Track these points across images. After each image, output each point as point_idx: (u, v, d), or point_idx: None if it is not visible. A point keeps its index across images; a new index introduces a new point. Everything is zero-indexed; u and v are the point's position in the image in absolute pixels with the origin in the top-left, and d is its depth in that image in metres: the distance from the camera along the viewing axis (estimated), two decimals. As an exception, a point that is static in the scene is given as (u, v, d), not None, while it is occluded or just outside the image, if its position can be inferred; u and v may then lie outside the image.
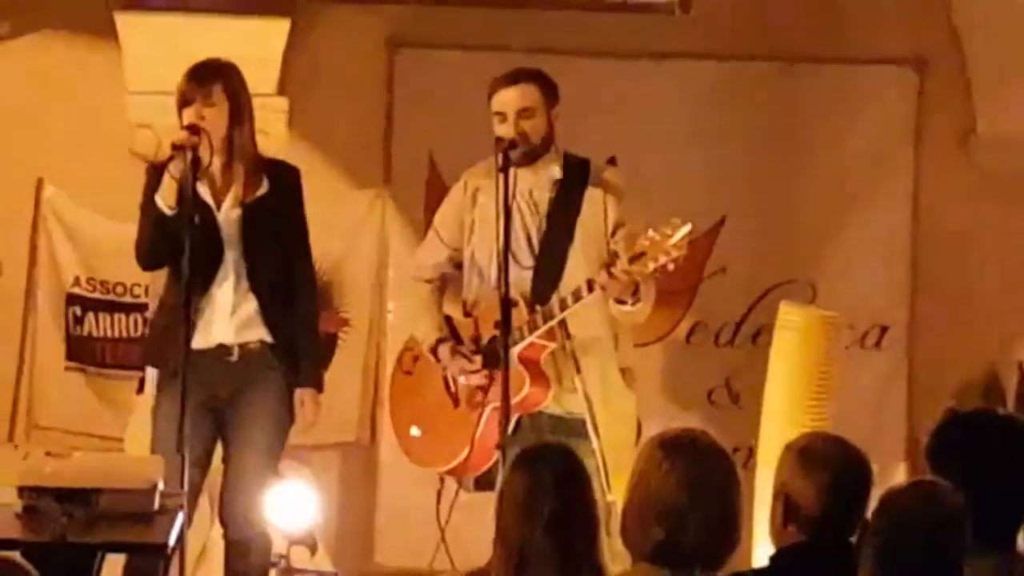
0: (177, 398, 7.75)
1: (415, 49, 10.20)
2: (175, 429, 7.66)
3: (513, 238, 7.93)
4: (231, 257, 7.92)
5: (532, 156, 7.98)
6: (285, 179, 8.08)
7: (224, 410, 7.96)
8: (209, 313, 7.93)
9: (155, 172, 7.91)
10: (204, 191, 7.88)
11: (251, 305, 7.95)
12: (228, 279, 7.92)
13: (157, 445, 7.87)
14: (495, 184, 7.86)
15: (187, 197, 7.72)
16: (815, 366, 8.86)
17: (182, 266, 7.64)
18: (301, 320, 8.13)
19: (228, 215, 7.93)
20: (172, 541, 6.88)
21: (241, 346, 7.93)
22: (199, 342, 7.87)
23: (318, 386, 8.18)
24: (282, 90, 9.21)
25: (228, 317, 7.93)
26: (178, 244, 7.72)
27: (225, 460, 7.95)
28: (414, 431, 8.33)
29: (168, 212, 7.77)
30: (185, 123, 7.78)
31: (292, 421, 8.06)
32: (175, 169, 7.69)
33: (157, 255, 8.02)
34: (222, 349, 7.94)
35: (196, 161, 7.71)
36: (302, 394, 8.03)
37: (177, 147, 7.69)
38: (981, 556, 5.22)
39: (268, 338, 7.95)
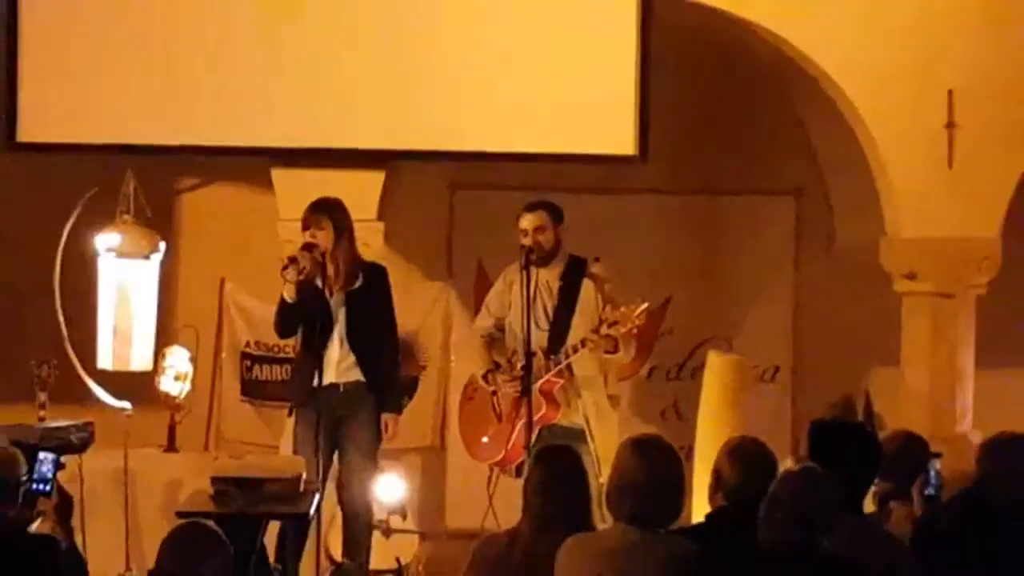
0: (305, 419, 7.95)
1: (468, 190, 10.21)
2: (308, 439, 7.82)
3: (535, 312, 8.00)
4: (338, 327, 7.95)
5: (546, 259, 8.07)
6: (376, 275, 8.14)
7: (338, 426, 7.96)
8: (325, 364, 7.88)
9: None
10: (322, 284, 7.91)
11: (351, 358, 7.98)
12: (335, 341, 7.95)
13: (297, 449, 7.94)
14: (522, 278, 7.95)
15: (309, 289, 7.85)
16: (730, 393, 8.85)
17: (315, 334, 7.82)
18: (385, 369, 8.13)
19: (336, 299, 7.96)
20: (312, 512, 6.99)
21: (345, 384, 7.94)
22: (319, 381, 7.87)
23: (397, 411, 8.22)
24: (380, 216, 9.16)
25: (336, 366, 7.94)
26: (299, 321, 7.96)
27: (340, 460, 7.95)
28: (484, 439, 8.35)
29: (289, 301, 7.87)
30: (304, 241, 7.88)
31: (380, 435, 8.08)
32: (290, 275, 7.76)
33: (285, 329, 8.13)
34: (333, 386, 7.94)
35: (318, 264, 7.82)
36: (386, 417, 8.06)
37: (291, 259, 7.81)
38: (838, 519, 5.22)
39: (362, 379, 7.98)
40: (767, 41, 9.18)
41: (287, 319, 8.03)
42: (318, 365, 7.84)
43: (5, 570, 5.64)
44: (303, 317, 7.96)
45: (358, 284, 8.03)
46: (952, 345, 9.22)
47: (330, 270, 7.93)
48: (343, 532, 8.11)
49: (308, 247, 7.86)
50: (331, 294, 7.97)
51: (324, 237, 7.91)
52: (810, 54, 9.10)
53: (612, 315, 7.91)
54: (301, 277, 7.81)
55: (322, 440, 7.83)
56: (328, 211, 7.99)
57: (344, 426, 8.01)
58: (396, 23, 8.99)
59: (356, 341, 7.99)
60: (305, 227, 7.96)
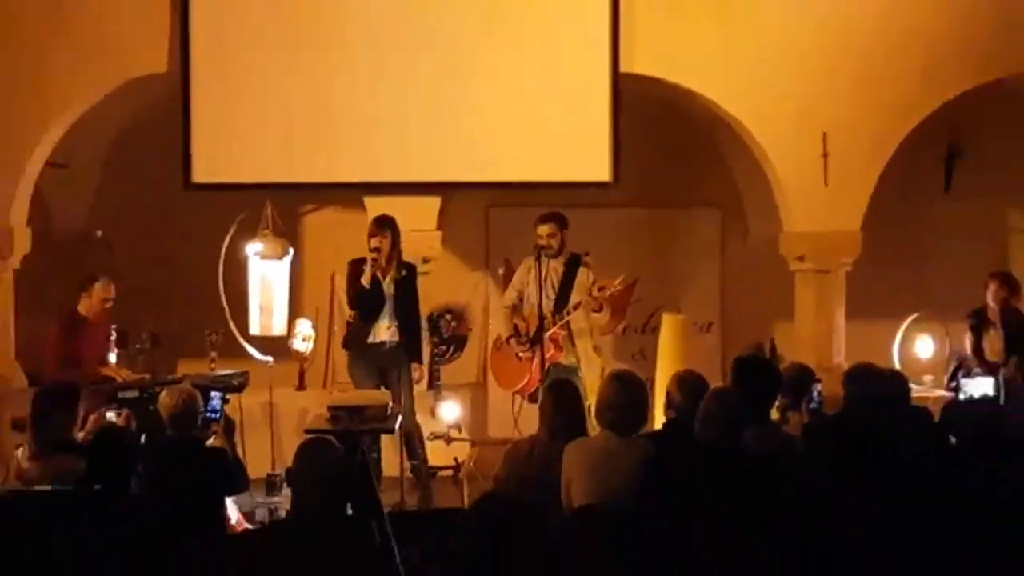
0: (360, 367, 8.05)
1: (500, 208, 10.15)
2: (366, 377, 7.95)
3: (545, 288, 8.00)
4: (388, 304, 7.96)
5: (554, 254, 8.05)
6: (412, 270, 8.16)
7: (386, 372, 7.97)
8: (376, 328, 7.96)
9: (356, 265, 8.02)
10: (379, 275, 7.95)
11: (395, 326, 7.96)
12: (386, 313, 7.96)
13: (356, 386, 8.00)
14: (536, 266, 7.96)
15: (378, 284, 7.93)
16: (678, 342, 8.87)
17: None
18: (414, 334, 8.12)
19: (388, 286, 7.98)
20: (396, 428, 6.99)
21: (390, 342, 7.93)
22: (372, 339, 7.99)
23: (420, 362, 8.19)
24: (439, 227, 9.19)
25: (385, 330, 7.95)
26: (369, 300, 7.96)
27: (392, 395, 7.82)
28: (510, 375, 8.32)
29: (366, 287, 7.89)
30: (372, 246, 7.91)
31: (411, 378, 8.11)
32: (374, 268, 7.86)
33: (360, 305, 8.06)
34: (382, 343, 7.96)
35: (375, 262, 7.90)
36: (415, 366, 8.06)
37: (374, 259, 7.88)
38: (751, 425, 5.25)
39: (400, 339, 7.95)
40: (698, 100, 9.17)
41: (363, 299, 7.99)
42: (370, 329, 7.96)
43: (190, 471, 5.70)
44: (369, 297, 7.98)
45: (403, 275, 8.02)
46: (829, 305, 9.19)
47: (384, 265, 7.96)
48: (404, 443, 8.02)
49: (375, 250, 7.91)
50: (383, 281, 7.98)
51: (385, 243, 7.94)
52: (728, 108, 9.08)
53: (601, 283, 7.95)
54: (375, 270, 7.88)
55: (370, 380, 7.90)
56: (388, 225, 8.02)
57: (392, 372, 7.97)
58: (443, 99, 8.98)
59: (398, 314, 7.97)
60: (371, 235, 7.97)
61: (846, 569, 4.25)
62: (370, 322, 7.99)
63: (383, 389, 7.85)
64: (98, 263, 8.44)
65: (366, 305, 8.02)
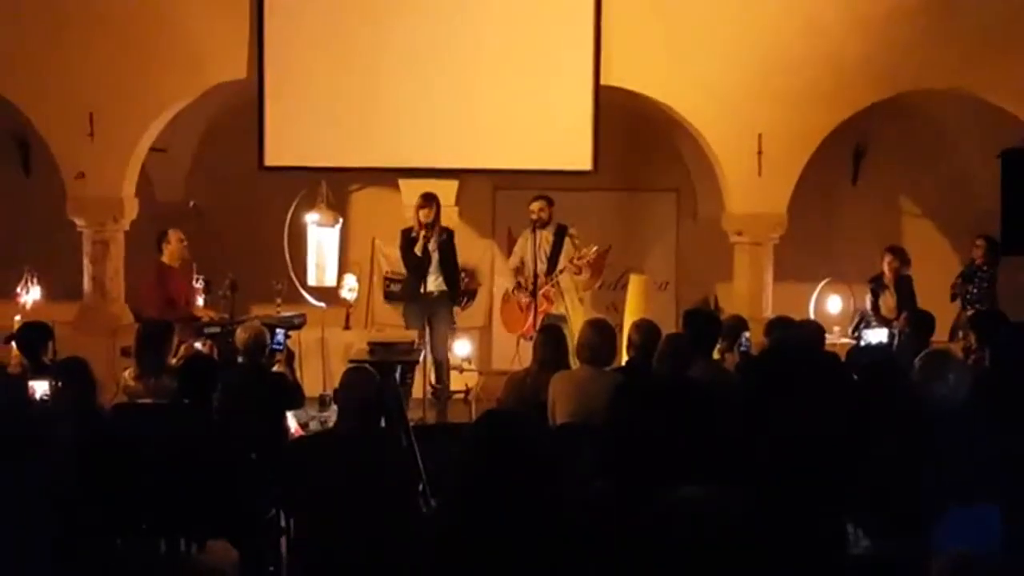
0: (413, 310, 7.95)
1: (505, 190, 10.07)
2: (415, 320, 7.87)
3: (539, 254, 8.02)
4: (434, 262, 7.85)
5: (545, 226, 8.04)
6: (451, 235, 8.06)
7: (430, 315, 7.87)
8: (427, 281, 7.83)
9: (406, 233, 7.92)
10: (426, 240, 7.85)
11: (441, 278, 7.85)
12: (432, 269, 7.84)
13: (408, 326, 7.93)
14: (532, 235, 7.91)
15: (426, 247, 7.81)
16: (642, 298, 8.83)
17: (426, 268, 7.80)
18: (455, 283, 8.05)
19: (432, 248, 7.87)
20: (421, 360, 6.96)
21: (437, 291, 7.83)
22: (424, 289, 7.85)
23: (459, 306, 8.26)
24: (456, 203, 9.14)
25: (432, 282, 7.81)
26: (420, 264, 7.82)
27: (432, 333, 7.86)
28: (514, 321, 8.29)
29: (420, 256, 7.81)
30: (422, 219, 7.80)
31: (454, 318, 8.10)
32: (423, 240, 7.77)
33: (412, 269, 7.96)
34: (429, 293, 7.85)
35: (427, 236, 7.82)
36: (456, 310, 8.07)
37: (427, 235, 7.79)
38: (696, 362, 5.22)
39: (445, 289, 7.86)
40: (660, 107, 9.09)
41: (416, 263, 7.91)
42: (422, 282, 7.84)
43: (258, 390, 5.67)
44: (420, 261, 7.90)
45: (444, 239, 7.95)
46: (760, 270, 9.13)
47: (431, 233, 7.88)
48: (434, 370, 8.03)
49: (428, 225, 7.81)
50: (429, 244, 7.89)
51: (430, 215, 7.86)
52: (684, 115, 9.01)
53: (580, 252, 7.93)
54: (427, 240, 7.81)
55: (420, 319, 7.84)
56: (433, 200, 7.93)
57: (436, 315, 7.91)
58: (462, 103, 8.90)
59: (442, 269, 7.90)
60: (421, 208, 7.88)
61: (765, 463, 4.24)
62: (421, 278, 7.93)
63: (428, 330, 7.87)
64: (190, 227, 8.41)
65: (418, 268, 7.96)
